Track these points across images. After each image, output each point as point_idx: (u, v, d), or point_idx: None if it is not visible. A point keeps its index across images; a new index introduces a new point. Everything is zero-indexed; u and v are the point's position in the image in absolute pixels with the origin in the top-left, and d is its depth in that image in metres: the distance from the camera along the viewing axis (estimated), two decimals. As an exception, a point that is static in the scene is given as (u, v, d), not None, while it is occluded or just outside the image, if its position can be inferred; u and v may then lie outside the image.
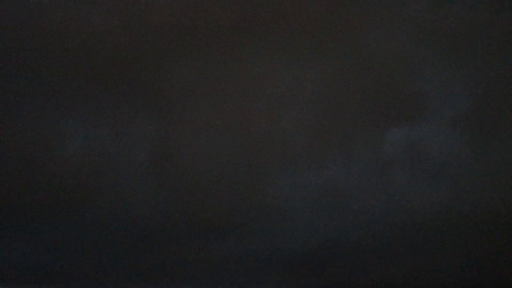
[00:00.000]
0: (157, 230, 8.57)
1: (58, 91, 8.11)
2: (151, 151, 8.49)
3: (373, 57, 9.21)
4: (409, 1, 9.19)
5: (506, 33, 8.90)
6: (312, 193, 8.96)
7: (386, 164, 9.27)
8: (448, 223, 9.00)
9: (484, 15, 9.00)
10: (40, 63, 7.93)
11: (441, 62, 9.30)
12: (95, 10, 7.99)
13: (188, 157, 8.38)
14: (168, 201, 8.41)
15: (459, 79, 9.38)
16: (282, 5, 8.57)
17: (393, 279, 9.23)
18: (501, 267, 8.83)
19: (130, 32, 8.19)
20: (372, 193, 9.09)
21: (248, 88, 8.61)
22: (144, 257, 8.63)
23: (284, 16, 8.54)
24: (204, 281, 8.72)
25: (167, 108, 8.43)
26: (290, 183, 8.84)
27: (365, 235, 9.26)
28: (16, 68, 8.09)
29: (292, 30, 8.65)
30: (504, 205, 8.88)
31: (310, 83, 8.93)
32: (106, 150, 8.41)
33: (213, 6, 8.44)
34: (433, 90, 9.39)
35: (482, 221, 8.89)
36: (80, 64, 8.13)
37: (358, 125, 9.06)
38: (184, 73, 8.38)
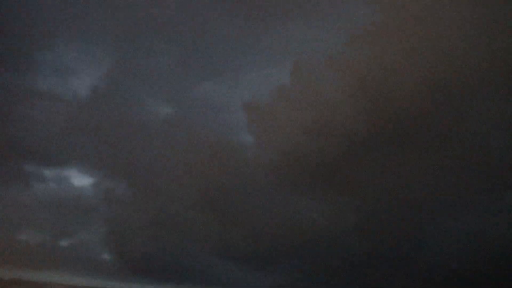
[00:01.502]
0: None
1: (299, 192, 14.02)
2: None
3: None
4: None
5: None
6: (458, 234, 14.27)
7: (501, 212, 14.51)
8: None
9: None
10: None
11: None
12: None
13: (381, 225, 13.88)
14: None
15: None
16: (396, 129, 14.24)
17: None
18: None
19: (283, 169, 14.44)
20: (495, 231, 14.15)
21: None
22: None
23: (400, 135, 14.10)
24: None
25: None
26: (443, 228, 14.25)
27: (490, 259, 14.42)
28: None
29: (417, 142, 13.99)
30: None
31: (442, 172, 14.17)
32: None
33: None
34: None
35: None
36: (294, 178, 14.41)
37: (479, 190, 14.43)
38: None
